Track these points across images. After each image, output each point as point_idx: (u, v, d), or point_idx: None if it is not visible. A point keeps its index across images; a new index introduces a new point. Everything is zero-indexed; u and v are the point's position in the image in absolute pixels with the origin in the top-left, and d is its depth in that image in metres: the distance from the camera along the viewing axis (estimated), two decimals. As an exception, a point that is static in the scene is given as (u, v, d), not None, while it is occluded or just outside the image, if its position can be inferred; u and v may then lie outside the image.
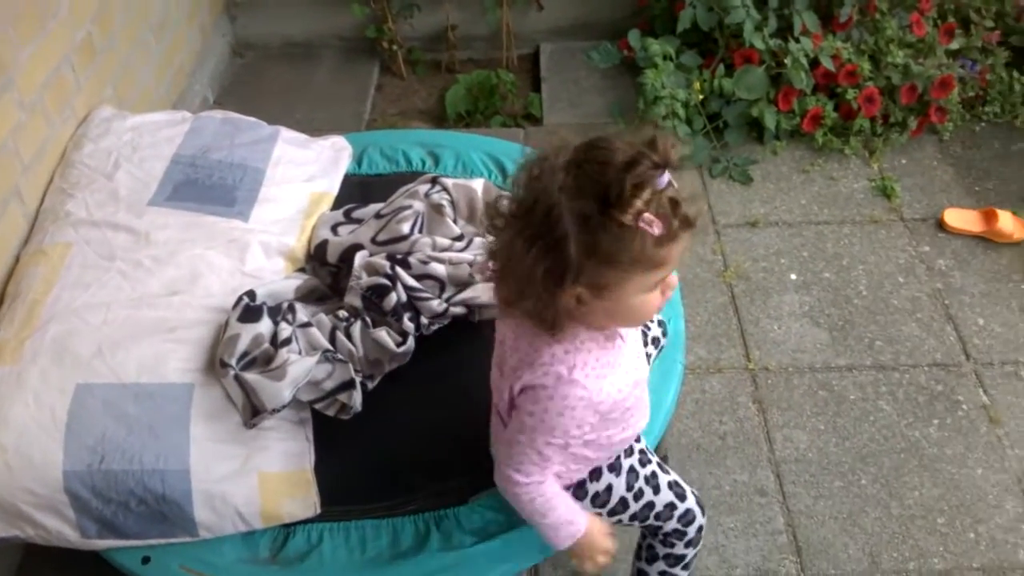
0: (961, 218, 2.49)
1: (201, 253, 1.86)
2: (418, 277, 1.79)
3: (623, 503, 1.45)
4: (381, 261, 1.80)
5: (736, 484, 1.94)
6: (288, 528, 1.59)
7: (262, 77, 3.24)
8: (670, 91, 2.46)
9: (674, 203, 1.06)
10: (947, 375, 2.14)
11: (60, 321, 1.69)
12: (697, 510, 1.48)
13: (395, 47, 3.16)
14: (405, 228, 1.86)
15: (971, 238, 2.47)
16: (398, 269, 1.78)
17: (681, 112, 2.48)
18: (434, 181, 1.96)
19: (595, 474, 1.45)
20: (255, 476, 1.58)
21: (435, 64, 3.28)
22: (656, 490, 1.45)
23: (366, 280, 1.78)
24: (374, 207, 2.00)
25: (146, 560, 1.55)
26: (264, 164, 2.09)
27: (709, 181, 2.69)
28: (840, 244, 2.48)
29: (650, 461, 1.48)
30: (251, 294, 1.74)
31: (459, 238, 1.88)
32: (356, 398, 1.65)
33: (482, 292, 1.79)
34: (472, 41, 3.25)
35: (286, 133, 2.23)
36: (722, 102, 2.67)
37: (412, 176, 2.23)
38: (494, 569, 1.50)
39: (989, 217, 2.46)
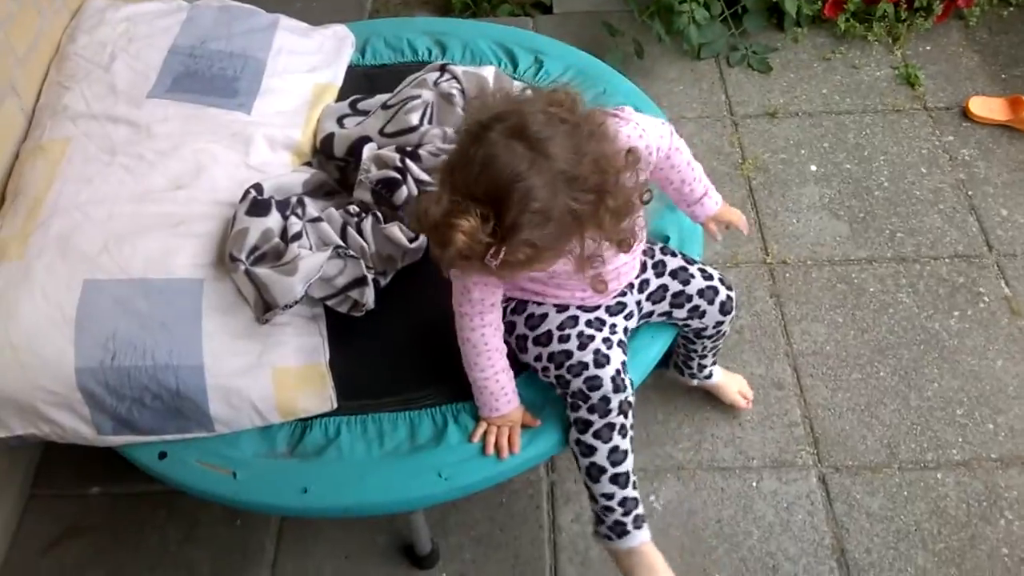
0: (986, 106, 2.40)
1: (204, 146, 1.80)
2: (429, 170, 1.74)
3: (547, 336, 1.46)
4: (390, 154, 1.74)
5: (753, 377, 1.93)
6: (305, 422, 1.58)
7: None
8: (688, -26, 2.34)
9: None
10: (969, 267, 2.10)
11: (63, 216, 1.64)
12: (609, 384, 1.40)
13: (398, -69, 3.01)
14: (414, 119, 1.79)
15: (996, 127, 2.39)
16: (408, 162, 1.72)
17: (700, -5, 2.37)
18: (443, 69, 1.88)
19: (538, 302, 1.49)
20: (269, 371, 1.56)
21: (442, -52, 3.12)
22: (581, 348, 1.43)
23: (375, 174, 1.72)
24: (381, 98, 1.92)
25: (163, 455, 1.55)
26: (265, 54, 2.00)
27: (727, 70, 2.59)
28: (862, 134, 2.40)
29: (600, 329, 1.45)
30: (258, 187, 1.68)
31: (470, 128, 1.81)
32: (369, 295, 1.62)
33: (495, 184, 1.74)
34: (479, -75, 3.09)
35: (286, 21, 2.13)
36: (741, -14, 2.56)
37: (418, 66, 2.13)
38: (511, 460, 1.49)
39: (1015, 105, 2.37)
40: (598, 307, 1.49)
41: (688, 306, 1.55)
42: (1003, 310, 2.02)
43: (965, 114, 2.42)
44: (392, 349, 1.66)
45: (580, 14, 2.78)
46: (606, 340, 1.45)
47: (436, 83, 1.84)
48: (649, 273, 1.54)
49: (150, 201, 1.69)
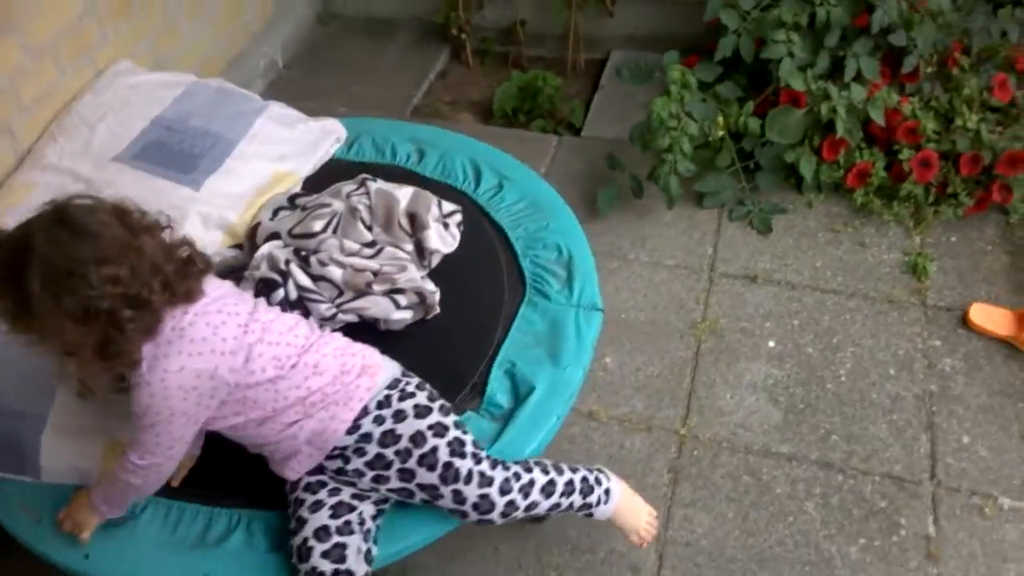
0: (989, 316, 2.14)
1: (140, 214, 1.95)
2: (315, 278, 1.79)
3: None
4: (279, 254, 1.82)
5: (611, 553, 1.81)
6: (123, 490, 1.65)
7: (338, 48, 3.32)
8: (683, 123, 2.27)
9: None
10: (898, 492, 1.87)
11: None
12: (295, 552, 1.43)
13: (463, 35, 3.14)
14: (317, 226, 1.86)
15: (996, 342, 2.13)
16: (292, 266, 1.79)
17: (686, 148, 2.28)
18: (363, 182, 1.94)
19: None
20: (104, 440, 1.64)
21: (504, 57, 3.23)
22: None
23: (260, 272, 1.80)
24: (314, 197, 2.01)
25: (-9, 488, 1.67)
26: (238, 136, 2.15)
27: (726, 224, 2.48)
28: (839, 319, 2.22)
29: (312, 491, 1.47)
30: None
31: (370, 244, 1.86)
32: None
33: (374, 305, 1.77)
34: (544, 39, 3.17)
35: (276, 109, 2.28)
36: (756, 141, 2.45)
37: (394, 169, 2.24)
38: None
39: (1023, 321, 2.11)
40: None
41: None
42: (918, 550, 1.78)
43: (965, 320, 2.17)
44: (221, 441, 1.70)
45: (605, 141, 2.77)
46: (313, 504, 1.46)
47: (348, 195, 1.91)
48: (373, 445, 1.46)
49: (69, 255, 1.86)
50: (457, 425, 1.48)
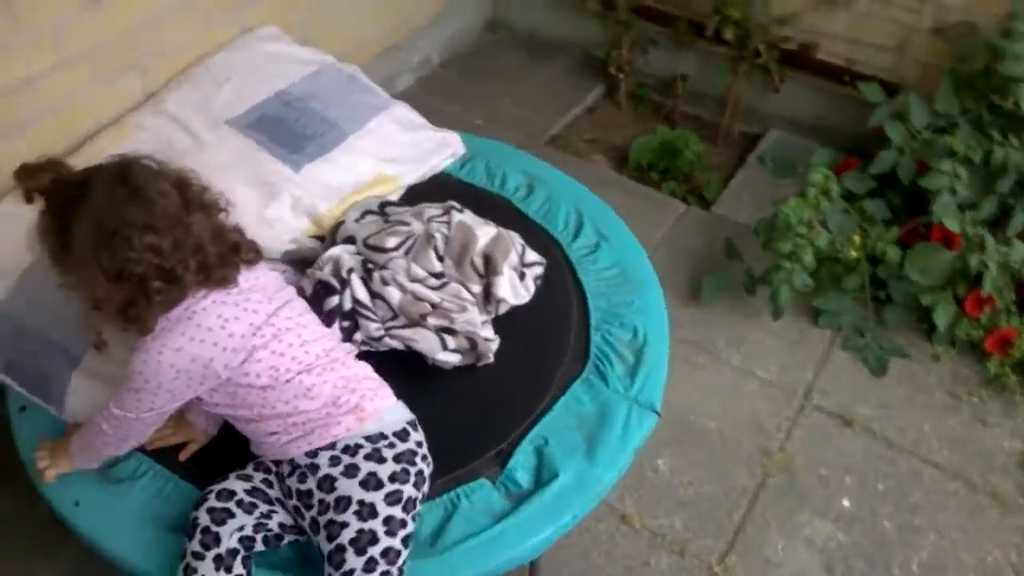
0: (1108, 550, 1.83)
1: (234, 182, 1.92)
2: (373, 294, 1.71)
3: None
4: (346, 260, 1.74)
5: None
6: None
7: (496, 58, 3.25)
8: (812, 232, 2.06)
9: None
10: None
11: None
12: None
13: (621, 76, 3.00)
14: (390, 242, 1.77)
15: (1109, 581, 1.82)
16: (353, 276, 1.71)
17: (808, 260, 2.06)
18: (448, 210, 1.84)
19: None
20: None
21: (657, 108, 3.06)
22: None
23: (322, 273, 1.73)
24: (405, 209, 1.93)
25: (23, 409, 1.68)
26: (352, 128, 2.09)
27: (836, 351, 2.24)
28: (930, 498, 1.95)
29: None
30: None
31: (438, 275, 1.76)
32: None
33: (422, 339, 1.67)
34: (702, 99, 2.98)
35: (399, 110, 2.21)
36: (893, 272, 2.20)
37: (498, 199, 2.13)
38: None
39: None
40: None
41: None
42: None
43: (1078, 543, 1.87)
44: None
45: (732, 223, 2.57)
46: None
47: (430, 219, 1.82)
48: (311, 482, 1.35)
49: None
50: (388, 521, 1.31)
